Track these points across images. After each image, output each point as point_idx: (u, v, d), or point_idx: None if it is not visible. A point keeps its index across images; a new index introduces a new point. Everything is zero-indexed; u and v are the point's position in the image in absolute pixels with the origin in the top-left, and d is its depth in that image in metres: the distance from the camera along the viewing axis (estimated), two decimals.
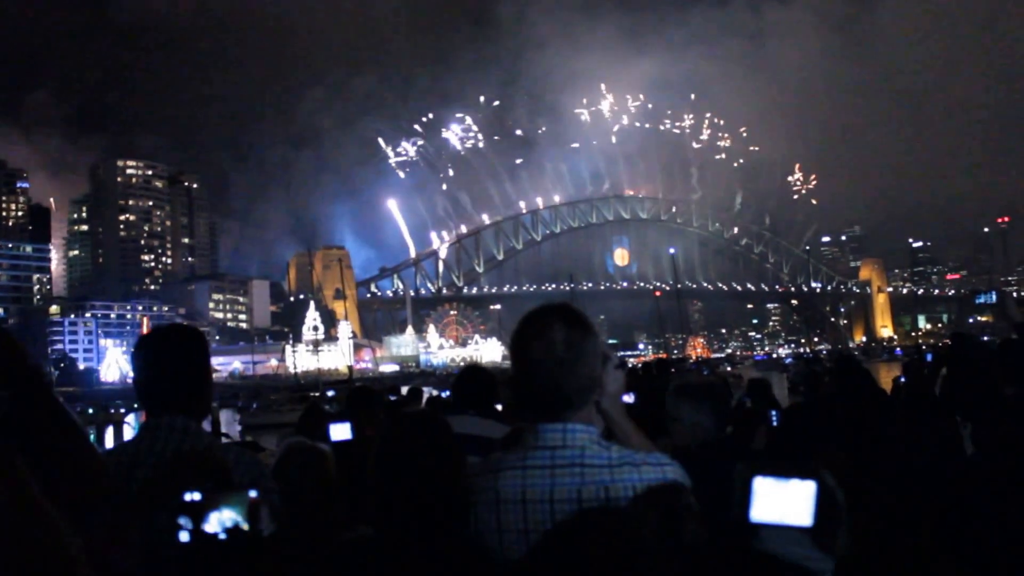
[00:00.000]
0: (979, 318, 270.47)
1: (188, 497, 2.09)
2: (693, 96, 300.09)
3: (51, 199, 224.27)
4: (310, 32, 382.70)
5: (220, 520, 2.08)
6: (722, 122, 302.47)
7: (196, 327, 3.74)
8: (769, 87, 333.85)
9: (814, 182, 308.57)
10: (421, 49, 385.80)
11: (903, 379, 12.36)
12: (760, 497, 1.89)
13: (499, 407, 8.48)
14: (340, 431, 5.34)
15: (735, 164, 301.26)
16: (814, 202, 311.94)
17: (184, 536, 2.07)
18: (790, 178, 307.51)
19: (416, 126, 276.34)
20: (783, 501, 1.86)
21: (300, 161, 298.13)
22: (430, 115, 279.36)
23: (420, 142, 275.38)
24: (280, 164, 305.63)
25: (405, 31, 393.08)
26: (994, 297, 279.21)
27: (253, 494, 2.12)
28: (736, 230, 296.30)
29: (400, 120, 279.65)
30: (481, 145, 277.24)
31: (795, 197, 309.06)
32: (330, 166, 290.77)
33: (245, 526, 2.09)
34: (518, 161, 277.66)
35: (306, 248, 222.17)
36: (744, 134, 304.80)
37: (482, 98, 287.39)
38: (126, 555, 2.36)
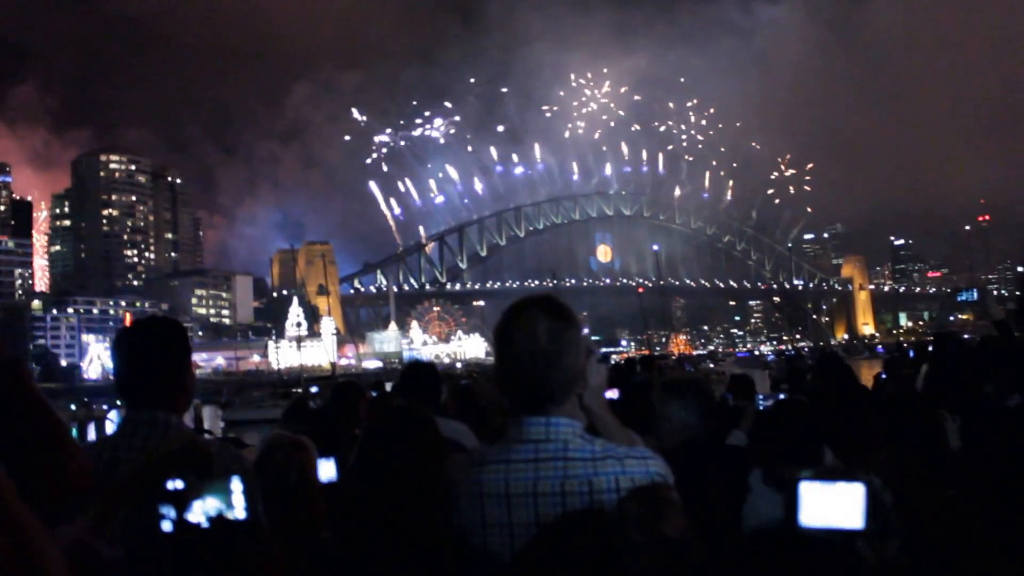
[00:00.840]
0: (960, 316, 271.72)
1: (171, 486, 2.07)
2: (682, 79, 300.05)
3: (34, 192, 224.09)
4: (298, 27, 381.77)
5: (203, 509, 2.06)
6: (713, 110, 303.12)
7: (176, 320, 3.56)
8: (758, 84, 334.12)
9: (808, 177, 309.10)
10: (409, 44, 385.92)
11: (884, 376, 12.46)
12: (808, 502, 1.85)
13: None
14: (325, 470, 5.09)
15: (721, 172, 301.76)
16: (809, 210, 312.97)
17: (167, 526, 2.06)
18: (775, 175, 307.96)
19: (402, 121, 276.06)
20: (832, 505, 1.81)
21: (286, 156, 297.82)
22: (415, 102, 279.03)
23: (411, 134, 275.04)
24: (267, 159, 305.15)
25: (393, 26, 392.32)
26: (975, 295, 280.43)
27: (236, 481, 2.11)
28: (718, 227, 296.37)
29: (387, 115, 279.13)
30: (469, 147, 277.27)
31: (776, 200, 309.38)
32: (317, 161, 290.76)
33: (229, 515, 2.07)
34: (503, 157, 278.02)
35: (291, 243, 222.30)
36: (738, 126, 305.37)
37: (472, 80, 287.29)
38: (110, 547, 2.36)
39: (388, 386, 15.72)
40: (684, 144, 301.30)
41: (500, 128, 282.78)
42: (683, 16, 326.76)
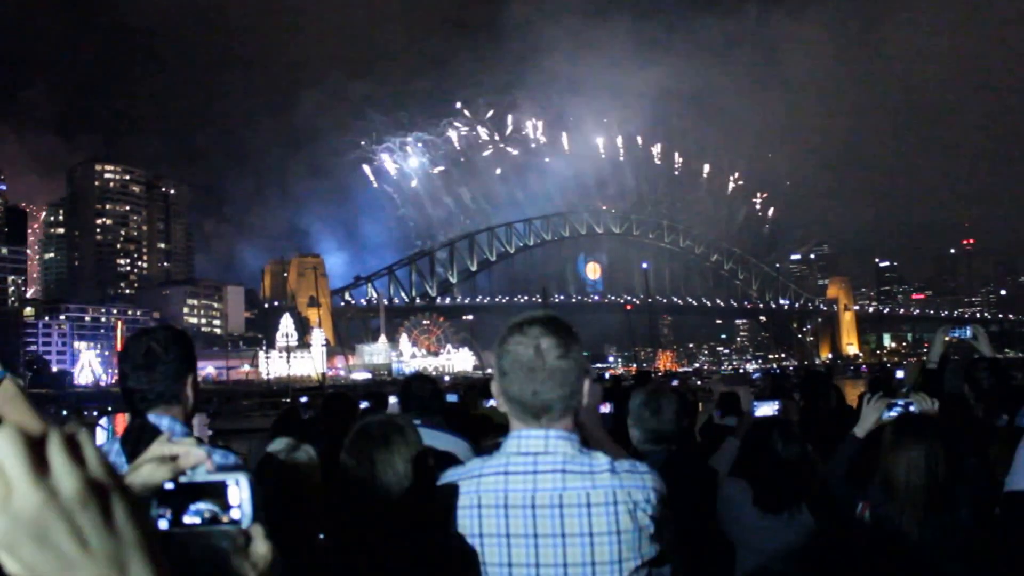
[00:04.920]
0: (946, 339, 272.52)
1: (167, 486, 2.07)
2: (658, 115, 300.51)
3: (30, 199, 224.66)
4: (306, 37, 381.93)
5: (197, 509, 2.08)
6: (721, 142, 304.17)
7: (183, 330, 3.90)
8: (765, 100, 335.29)
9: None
10: (420, 54, 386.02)
11: (869, 395, 13.12)
12: None
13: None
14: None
15: (734, 185, 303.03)
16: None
17: (163, 524, 2.05)
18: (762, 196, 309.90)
19: (397, 138, 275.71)
20: None
21: (290, 166, 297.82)
22: (406, 136, 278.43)
23: (418, 142, 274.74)
24: (269, 168, 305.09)
25: (404, 35, 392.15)
26: (968, 332, 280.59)
27: (232, 482, 2.10)
28: (706, 247, 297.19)
29: (396, 124, 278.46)
30: (475, 158, 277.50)
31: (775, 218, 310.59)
32: (318, 172, 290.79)
33: (223, 517, 2.08)
34: (498, 171, 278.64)
35: (293, 254, 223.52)
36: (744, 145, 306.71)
37: (482, 88, 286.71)
38: None
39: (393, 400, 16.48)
40: (688, 160, 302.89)
41: (504, 142, 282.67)
42: (703, 30, 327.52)
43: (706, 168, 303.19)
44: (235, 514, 2.12)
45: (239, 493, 2.12)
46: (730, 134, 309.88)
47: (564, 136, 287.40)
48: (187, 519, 2.09)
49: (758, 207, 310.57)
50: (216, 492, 2.12)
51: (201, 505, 2.10)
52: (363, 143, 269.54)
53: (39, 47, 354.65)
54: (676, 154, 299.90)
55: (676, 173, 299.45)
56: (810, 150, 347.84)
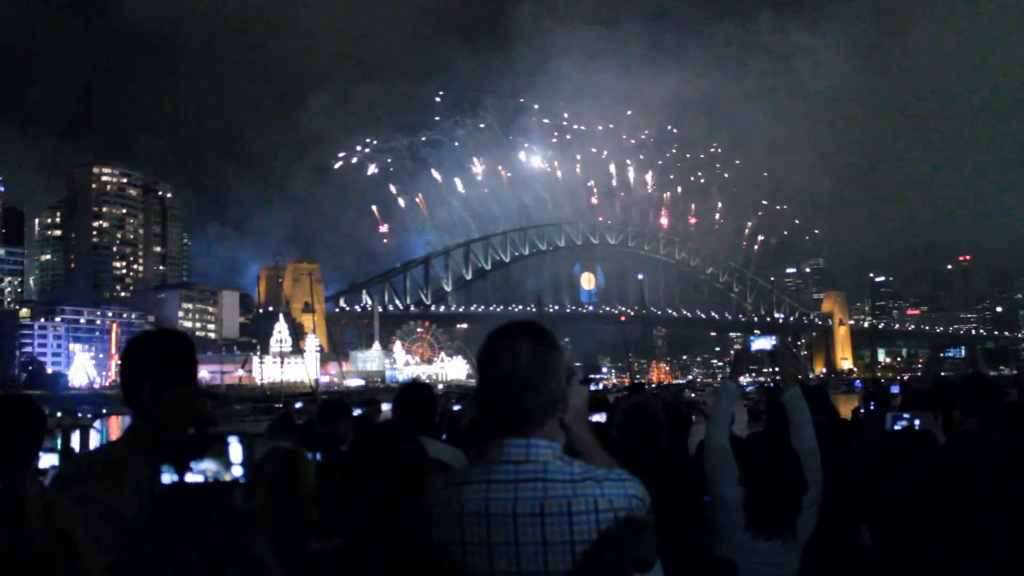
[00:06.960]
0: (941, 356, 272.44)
1: (173, 447, 2.25)
2: (714, 148, 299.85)
3: (27, 201, 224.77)
4: (312, 41, 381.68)
5: (201, 469, 2.22)
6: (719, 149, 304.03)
7: (185, 333, 3.90)
8: (777, 114, 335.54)
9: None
10: (427, 58, 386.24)
11: (863, 410, 12.85)
12: None
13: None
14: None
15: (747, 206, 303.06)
16: (817, 231, 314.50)
17: (167, 478, 2.24)
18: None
19: (398, 142, 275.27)
20: None
21: (280, 169, 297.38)
22: (407, 140, 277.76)
23: (418, 144, 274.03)
24: (270, 171, 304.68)
25: (409, 42, 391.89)
26: (963, 352, 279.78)
27: (235, 439, 2.25)
28: (702, 259, 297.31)
29: (401, 128, 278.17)
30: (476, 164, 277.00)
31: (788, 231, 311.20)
32: (314, 176, 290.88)
33: (226, 477, 2.23)
34: (489, 190, 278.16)
35: (289, 259, 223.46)
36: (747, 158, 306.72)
37: (487, 92, 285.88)
38: (127, 505, 2.55)
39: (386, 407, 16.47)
40: (699, 176, 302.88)
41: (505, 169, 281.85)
42: (716, 39, 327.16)
43: (714, 176, 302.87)
44: (236, 471, 2.25)
45: (240, 451, 2.26)
46: (741, 144, 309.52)
47: (569, 142, 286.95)
48: (190, 476, 2.24)
49: (771, 220, 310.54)
50: (219, 448, 2.25)
51: (205, 460, 2.23)
52: (366, 147, 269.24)
53: (43, 50, 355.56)
54: (686, 155, 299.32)
55: (684, 181, 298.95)
56: (813, 164, 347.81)
